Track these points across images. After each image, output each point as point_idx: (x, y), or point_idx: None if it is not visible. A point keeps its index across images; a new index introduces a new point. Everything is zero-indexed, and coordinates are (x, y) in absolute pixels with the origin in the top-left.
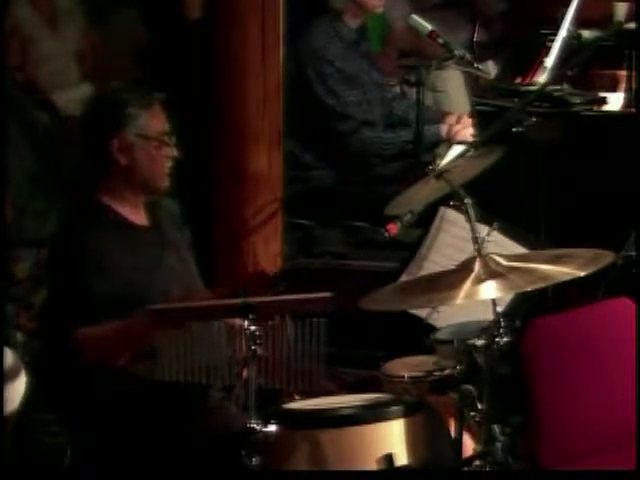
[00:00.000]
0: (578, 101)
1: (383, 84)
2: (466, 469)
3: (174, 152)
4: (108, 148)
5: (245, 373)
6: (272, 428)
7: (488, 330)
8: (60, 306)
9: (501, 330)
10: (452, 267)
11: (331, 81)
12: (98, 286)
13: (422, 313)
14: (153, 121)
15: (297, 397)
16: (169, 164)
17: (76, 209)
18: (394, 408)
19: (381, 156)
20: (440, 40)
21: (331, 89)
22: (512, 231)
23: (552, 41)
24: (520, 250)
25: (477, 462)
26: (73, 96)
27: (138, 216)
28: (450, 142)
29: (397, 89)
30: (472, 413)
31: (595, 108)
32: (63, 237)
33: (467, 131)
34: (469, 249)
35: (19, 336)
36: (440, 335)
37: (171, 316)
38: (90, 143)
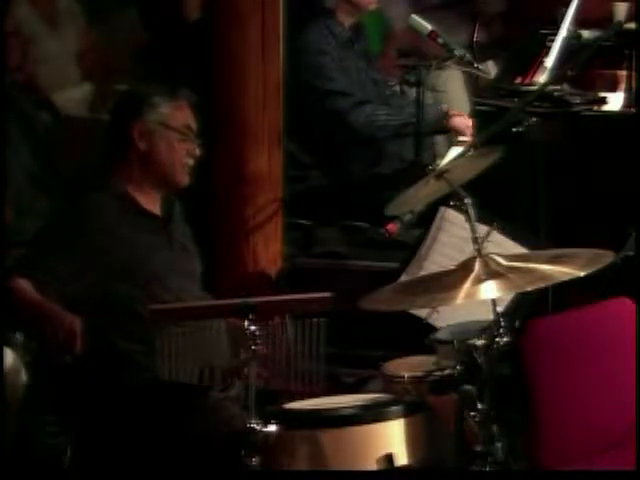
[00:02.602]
0: (578, 101)
1: (380, 82)
2: (466, 469)
3: (197, 150)
4: (128, 134)
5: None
6: (272, 428)
7: (488, 330)
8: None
9: (501, 330)
10: (452, 267)
11: (327, 69)
12: (100, 248)
13: (422, 313)
14: (177, 113)
15: (297, 397)
16: (190, 161)
17: (87, 187)
18: (394, 408)
19: (385, 129)
20: (440, 40)
21: (327, 76)
22: (512, 231)
23: (552, 41)
24: (520, 250)
25: (477, 462)
26: (73, 96)
27: (152, 206)
28: (450, 135)
29: (396, 88)
30: (472, 413)
31: (595, 108)
32: (71, 201)
33: (467, 131)
34: (469, 249)
35: (18, 336)
36: (440, 335)
37: (171, 315)
38: (112, 127)
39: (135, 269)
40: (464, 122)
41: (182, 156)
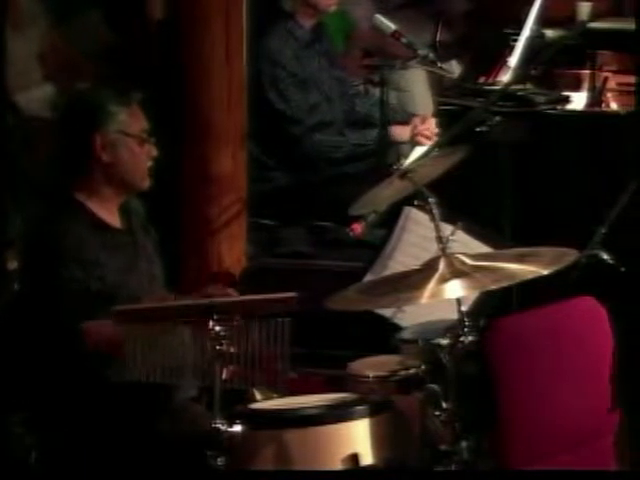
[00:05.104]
0: (542, 100)
1: (345, 81)
2: (431, 468)
3: (154, 151)
4: (90, 146)
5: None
6: (237, 428)
7: (453, 329)
8: (38, 300)
9: (466, 329)
10: (417, 266)
11: (282, 85)
12: (78, 277)
13: (387, 313)
14: (133, 119)
15: (258, 397)
16: (150, 163)
17: (51, 206)
18: (359, 408)
19: (331, 159)
20: (403, 40)
21: (282, 93)
22: (476, 230)
23: (516, 40)
24: (484, 249)
25: (443, 461)
26: (36, 96)
27: (113, 218)
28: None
29: (360, 88)
30: (437, 412)
31: (559, 107)
32: (39, 233)
33: (431, 131)
34: (434, 248)
35: None
36: (405, 334)
37: (136, 316)
38: (70, 141)
39: (110, 290)
40: (428, 129)
41: (143, 160)
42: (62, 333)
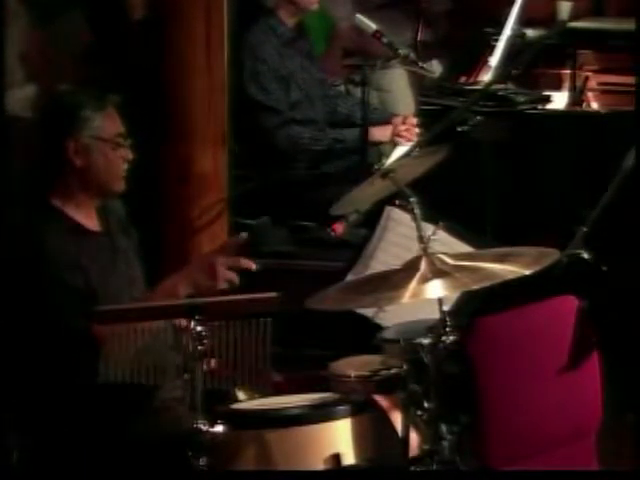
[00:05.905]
0: (522, 100)
1: (326, 81)
2: (413, 468)
3: (129, 155)
4: (63, 151)
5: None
6: (219, 428)
7: (434, 329)
8: (18, 303)
9: (447, 329)
10: (398, 266)
11: (263, 79)
12: (57, 283)
13: (369, 312)
14: (108, 123)
15: (240, 397)
16: (124, 167)
17: (29, 211)
18: (341, 408)
19: (310, 153)
20: (384, 39)
21: (262, 86)
22: (458, 230)
23: (496, 40)
24: (466, 249)
25: (424, 461)
26: (18, 97)
27: (90, 221)
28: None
29: (342, 88)
30: (419, 412)
31: (539, 107)
32: (17, 238)
33: (412, 131)
34: (415, 248)
35: None
36: (387, 334)
37: (117, 317)
38: (44, 145)
39: (91, 293)
40: (408, 129)
41: (118, 165)
42: (42, 336)
